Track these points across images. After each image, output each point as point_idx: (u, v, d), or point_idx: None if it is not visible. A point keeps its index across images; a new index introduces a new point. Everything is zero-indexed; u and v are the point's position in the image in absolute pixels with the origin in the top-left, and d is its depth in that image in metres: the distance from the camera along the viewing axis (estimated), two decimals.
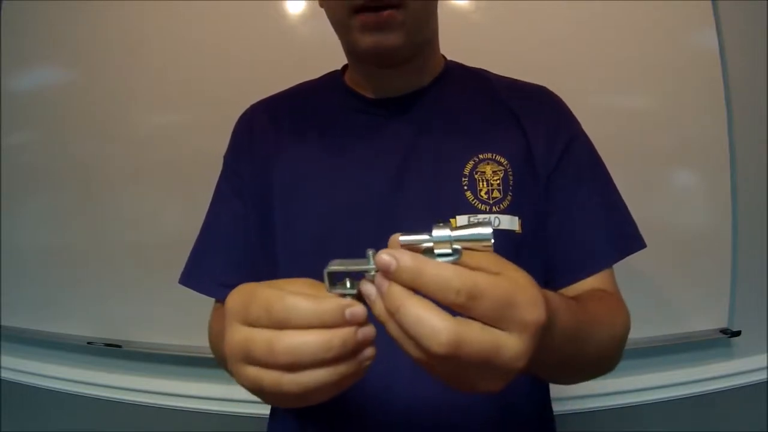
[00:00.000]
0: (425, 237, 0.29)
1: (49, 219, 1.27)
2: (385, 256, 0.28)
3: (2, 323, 1.29)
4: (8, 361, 1.31)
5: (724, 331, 1.11)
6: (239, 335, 0.31)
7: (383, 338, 0.51)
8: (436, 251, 0.29)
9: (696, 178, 1.13)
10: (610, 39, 1.11)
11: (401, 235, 0.30)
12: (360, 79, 0.64)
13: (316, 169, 0.61)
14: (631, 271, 1.08)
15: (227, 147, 0.70)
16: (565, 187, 0.60)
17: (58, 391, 1.27)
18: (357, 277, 0.31)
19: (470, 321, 0.28)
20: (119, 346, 1.22)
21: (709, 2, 1.10)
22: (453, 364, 0.28)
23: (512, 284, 0.29)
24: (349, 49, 0.62)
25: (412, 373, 0.54)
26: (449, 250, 0.29)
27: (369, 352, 0.30)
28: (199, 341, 1.20)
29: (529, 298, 0.29)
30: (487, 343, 0.28)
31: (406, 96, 0.62)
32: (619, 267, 0.61)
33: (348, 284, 0.31)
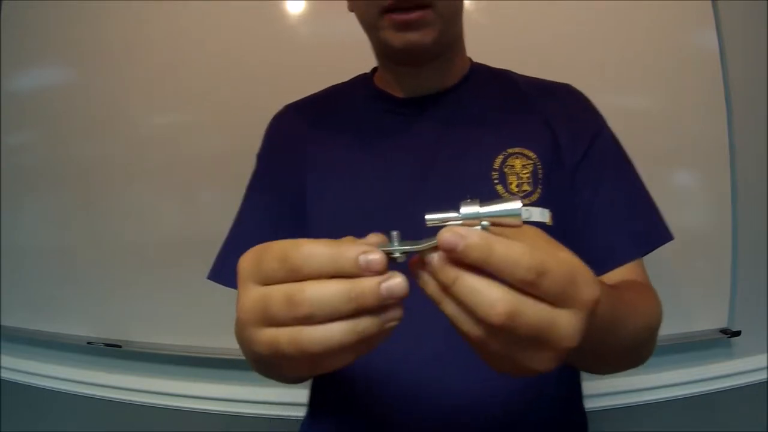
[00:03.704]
0: (453, 215, 0.29)
1: (49, 219, 1.27)
2: (449, 235, 0.27)
3: (2, 323, 1.29)
4: (8, 361, 1.31)
5: (724, 331, 1.11)
6: (254, 295, 0.30)
7: (412, 336, 0.52)
8: None
9: (696, 178, 1.13)
10: (610, 39, 1.11)
11: (428, 213, 0.29)
12: (389, 80, 0.66)
13: (348, 169, 0.63)
14: None
15: (260, 146, 0.71)
16: (589, 182, 0.61)
17: (58, 391, 1.27)
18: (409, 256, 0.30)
19: (526, 295, 0.27)
20: (119, 346, 1.22)
21: (709, 2, 1.10)
22: (507, 339, 0.28)
23: (572, 263, 0.29)
24: (380, 48, 0.64)
25: (441, 371, 0.55)
26: (477, 228, 0.28)
27: (394, 312, 0.28)
28: (199, 341, 1.20)
29: (587, 277, 0.29)
30: (543, 316, 0.27)
31: (435, 95, 0.64)
32: None
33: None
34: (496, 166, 0.59)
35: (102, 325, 1.24)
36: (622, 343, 0.47)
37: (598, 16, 1.11)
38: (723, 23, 1.10)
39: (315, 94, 0.73)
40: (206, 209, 1.21)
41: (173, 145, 1.20)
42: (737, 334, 1.11)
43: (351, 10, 0.64)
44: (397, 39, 0.57)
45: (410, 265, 0.29)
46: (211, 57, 1.17)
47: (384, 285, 0.27)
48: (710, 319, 1.12)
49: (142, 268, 1.21)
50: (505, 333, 0.27)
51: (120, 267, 1.22)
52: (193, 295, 1.18)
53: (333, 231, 0.61)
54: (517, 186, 0.58)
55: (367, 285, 0.27)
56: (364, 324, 0.28)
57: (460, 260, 0.27)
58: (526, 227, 0.30)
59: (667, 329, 1.10)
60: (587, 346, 0.33)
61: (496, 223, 0.28)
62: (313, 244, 0.28)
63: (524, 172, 0.59)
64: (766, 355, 1.14)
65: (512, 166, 0.59)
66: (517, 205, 0.28)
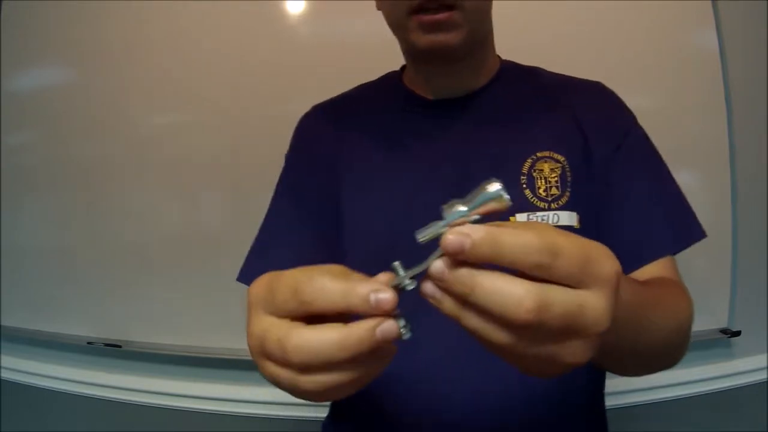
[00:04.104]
0: (441, 223, 0.28)
1: (49, 219, 1.27)
2: (453, 237, 0.25)
3: (2, 323, 1.29)
4: (8, 361, 1.31)
5: (724, 331, 1.11)
6: (261, 326, 0.29)
7: (430, 337, 0.52)
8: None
9: (696, 178, 1.13)
10: (610, 39, 1.11)
11: (418, 233, 0.28)
12: (418, 80, 0.66)
13: (378, 171, 0.62)
14: None
15: (289, 146, 0.71)
16: (620, 181, 0.60)
17: (58, 391, 1.27)
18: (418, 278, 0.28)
19: (548, 284, 0.26)
20: (119, 346, 1.22)
21: (709, 2, 1.10)
22: (538, 336, 0.26)
23: (584, 241, 0.28)
24: (407, 48, 0.64)
25: (459, 372, 0.55)
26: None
27: (388, 350, 0.28)
28: (199, 341, 1.20)
29: (602, 252, 0.28)
30: (571, 301, 0.26)
31: (464, 97, 0.64)
32: None
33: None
34: (525, 170, 0.59)
35: (102, 325, 1.24)
36: (651, 341, 0.45)
37: (598, 16, 1.11)
38: (723, 23, 1.10)
39: (343, 94, 0.72)
40: (206, 209, 1.21)
41: (173, 145, 1.20)
42: (737, 334, 1.11)
43: (379, 8, 0.63)
44: (424, 40, 0.56)
45: (421, 287, 0.28)
46: (211, 57, 1.17)
47: (379, 330, 0.26)
48: (710, 319, 1.12)
49: (142, 268, 1.21)
50: (536, 330, 0.26)
51: (120, 267, 1.22)
52: (193, 295, 1.18)
53: (366, 233, 0.62)
54: (545, 190, 0.58)
55: (362, 333, 0.26)
56: (360, 369, 0.28)
57: (469, 263, 0.26)
58: (529, 222, 0.30)
59: None
60: (615, 342, 0.31)
61: (485, 212, 0.27)
62: (325, 279, 0.27)
63: (552, 176, 0.58)
64: (766, 355, 1.14)
65: (541, 170, 0.59)
66: (495, 187, 0.27)
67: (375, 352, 0.27)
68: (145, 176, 1.21)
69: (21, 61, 1.27)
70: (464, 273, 0.26)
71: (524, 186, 0.58)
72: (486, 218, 0.28)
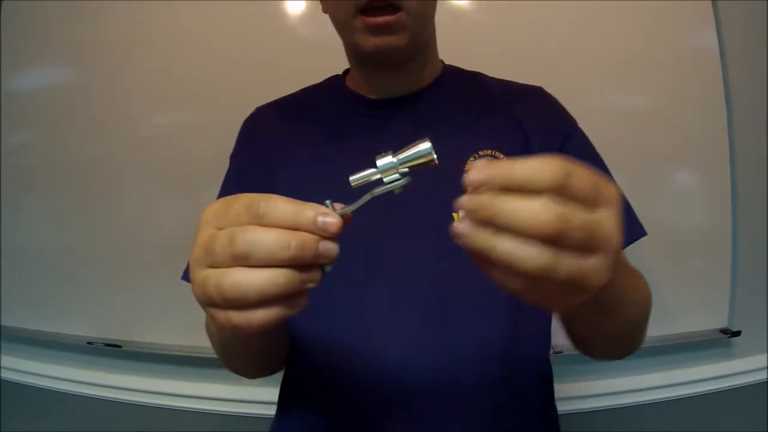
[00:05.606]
0: (373, 170, 0.31)
1: (49, 219, 1.27)
2: (473, 173, 0.28)
3: (2, 323, 1.29)
4: (8, 361, 1.31)
5: (724, 331, 1.11)
6: (206, 234, 0.31)
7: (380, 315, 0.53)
8: (386, 179, 0.31)
9: (696, 178, 1.13)
10: (610, 39, 1.11)
11: (351, 177, 0.32)
12: (361, 81, 0.66)
13: (319, 169, 0.62)
14: None
15: (234, 147, 0.71)
16: None
17: (58, 391, 1.27)
18: None
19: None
20: (119, 346, 1.22)
21: (709, 2, 1.10)
22: (564, 251, 0.27)
23: (587, 167, 0.29)
24: (353, 50, 0.64)
25: (411, 347, 0.55)
26: (397, 176, 0.31)
27: (314, 275, 0.31)
28: (199, 341, 1.19)
29: (605, 178, 0.29)
30: (588, 215, 0.27)
31: (407, 96, 0.64)
32: None
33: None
34: (467, 168, 0.59)
35: (102, 325, 1.24)
36: (627, 312, 0.47)
37: (598, 16, 1.11)
38: (723, 23, 1.10)
39: (287, 96, 0.73)
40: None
41: (173, 145, 1.20)
42: (737, 334, 1.11)
43: (325, 11, 0.64)
44: (371, 43, 0.57)
45: (451, 228, 0.29)
46: (211, 57, 1.17)
47: (322, 243, 0.29)
48: (710, 319, 1.12)
49: (142, 268, 1.21)
50: (560, 242, 0.26)
51: (120, 267, 1.22)
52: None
53: None
54: None
55: (307, 237, 0.29)
56: (287, 277, 0.29)
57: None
58: None
59: (667, 329, 1.11)
60: (603, 296, 0.32)
61: (414, 167, 0.31)
62: (280, 198, 0.30)
63: None
64: (766, 355, 1.14)
65: None
66: (426, 144, 0.30)
67: (307, 270, 0.30)
68: (145, 176, 1.21)
69: (21, 61, 1.27)
70: (484, 198, 0.27)
71: None
72: (413, 172, 0.32)
